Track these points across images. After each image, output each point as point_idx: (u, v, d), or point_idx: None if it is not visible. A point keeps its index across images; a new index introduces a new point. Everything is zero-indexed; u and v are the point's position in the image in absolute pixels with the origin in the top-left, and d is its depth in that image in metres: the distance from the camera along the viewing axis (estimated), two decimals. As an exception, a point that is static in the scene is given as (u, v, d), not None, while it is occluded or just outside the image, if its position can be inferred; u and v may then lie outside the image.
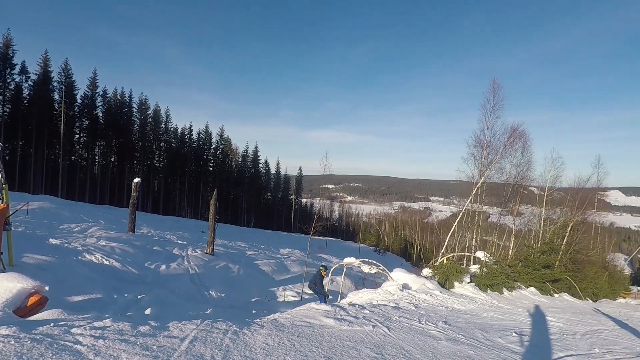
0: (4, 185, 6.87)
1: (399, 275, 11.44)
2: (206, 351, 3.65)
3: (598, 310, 15.58)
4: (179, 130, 55.43)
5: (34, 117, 36.87)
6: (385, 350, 4.67)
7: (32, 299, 5.31)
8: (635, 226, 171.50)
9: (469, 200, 17.46)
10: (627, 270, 65.03)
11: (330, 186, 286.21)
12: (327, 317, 5.83)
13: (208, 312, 8.35)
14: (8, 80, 36.94)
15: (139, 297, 8.70)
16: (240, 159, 64.14)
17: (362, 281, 15.37)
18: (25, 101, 37.90)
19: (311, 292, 11.98)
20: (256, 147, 64.78)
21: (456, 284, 12.06)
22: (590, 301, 20.69)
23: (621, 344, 7.99)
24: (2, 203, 6.70)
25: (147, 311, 7.36)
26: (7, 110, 36.71)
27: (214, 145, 59.42)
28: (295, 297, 13.12)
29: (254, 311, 9.21)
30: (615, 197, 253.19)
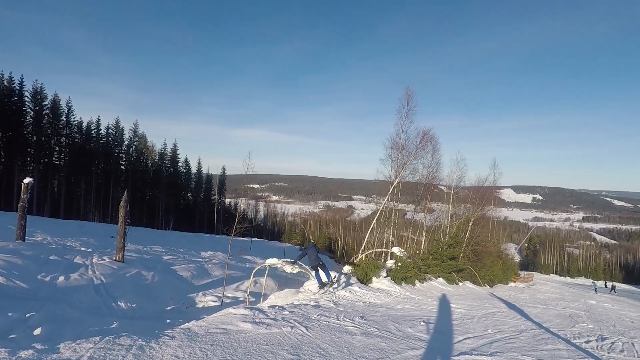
0: None
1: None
2: (103, 372, 3.30)
3: (493, 294, 17.70)
4: (84, 125, 49.58)
5: None
6: (302, 351, 4.71)
7: None
8: (523, 219, 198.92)
9: (386, 199, 18.55)
10: (517, 258, 75.29)
11: (256, 186, 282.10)
12: (245, 321, 5.69)
13: (114, 326, 7.61)
14: None
15: (27, 315, 7.57)
16: (157, 157, 59.70)
17: (285, 280, 15.38)
18: None
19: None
20: (175, 145, 60.89)
21: (374, 279, 12.70)
22: (488, 287, 23.41)
23: (509, 323, 9.16)
24: None
25: (37, 331, 6.45)
26: None
27: (126, 142, 54.33)
28: (216, 302, 12.61)
29: (168, 320, 8.64)
30: (508, 195, 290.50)
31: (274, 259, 12.14)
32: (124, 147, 54.02)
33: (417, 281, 14.74)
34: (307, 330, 5.67)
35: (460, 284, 19.75)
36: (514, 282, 32.67)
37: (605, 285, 47.83)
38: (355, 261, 13.97)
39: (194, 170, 65.33)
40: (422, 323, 7.60)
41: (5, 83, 40.43)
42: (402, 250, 15.91)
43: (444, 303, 11.59)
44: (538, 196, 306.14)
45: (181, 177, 62.39)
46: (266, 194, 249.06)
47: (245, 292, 12.20)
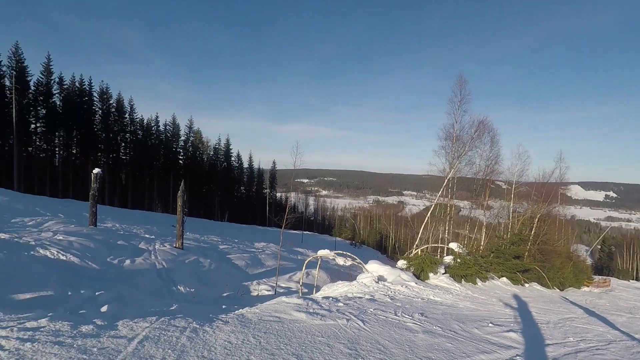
0: None
1: (374, 267, 11.22)
2: (157, 352, 3.19)
3: (566, 298, 16.02)
4: (145, 122, 53.10)
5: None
6: (360, 346, 4.35)
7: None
8: (594, 219, 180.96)
9: (440, 192, 17.52)
10: (589, 261, 68.63)
11: (305, 180, 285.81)
12: (299, 311, 5.46)
13: (173, 308, 7.79)
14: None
15: (96, 293, 8.01)
16: (212, 152, 62.43)
17: (337, 274, 15.14)
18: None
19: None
20: (228, 140, 63.06)
21: (431, 275, 11.99)
22: (558, 290, 21.35)
23: (592, 331, 8.07)
24: None
25: (104, 308, 6.72)
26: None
27: (182, 138, 57.36)
28: (269, 291, 12.69)
29: (223, 306, 8.71)
30: (575, 192, 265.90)
31: (326, 250, 11.91)
32: (180, 143, 57.08)
33: (478, 280, 13.73)
34: (364, 324, 5.30)
35: (527, 285, 18.21)
36: (587, 286, 29.68)
37: None
38: (410, 256, 13.31)
39: (245, 164, 67.48)
40: (490, 324, 6.90)
41: (77, 85, 44.28)
42: (461, 246, 14.93)
43: (510, 304, 10.60)
44: (611, 193, 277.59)
45: (234, 171, 64.67)
46: (315, 188, 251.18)
47: (298, 282, 12.12)
